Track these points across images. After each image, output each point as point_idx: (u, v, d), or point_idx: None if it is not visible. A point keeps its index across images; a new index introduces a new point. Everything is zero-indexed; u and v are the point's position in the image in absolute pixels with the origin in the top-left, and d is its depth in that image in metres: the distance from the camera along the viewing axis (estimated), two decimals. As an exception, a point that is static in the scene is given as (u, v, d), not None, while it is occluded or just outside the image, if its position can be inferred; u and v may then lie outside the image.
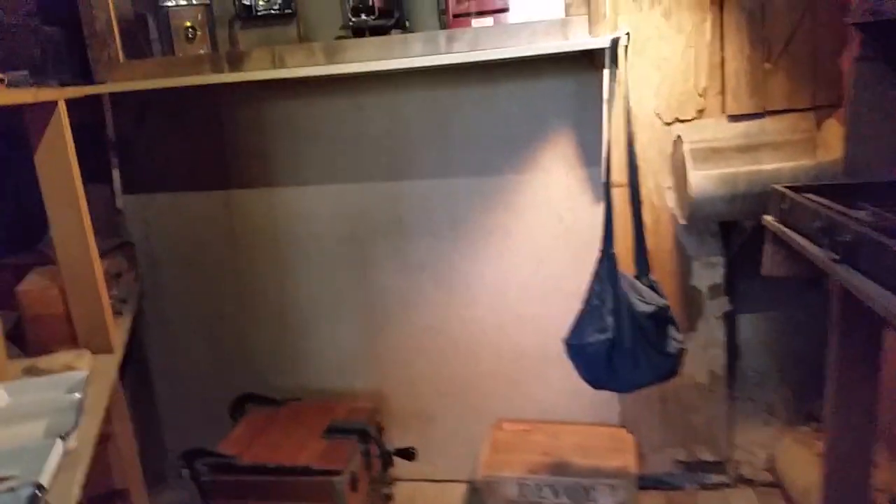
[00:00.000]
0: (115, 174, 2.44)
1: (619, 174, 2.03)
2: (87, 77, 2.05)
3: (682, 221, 2.03)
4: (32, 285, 1.77)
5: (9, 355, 1.74)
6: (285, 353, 2.58)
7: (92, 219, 2.50)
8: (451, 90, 2.27)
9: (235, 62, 1.93)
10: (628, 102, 1.94)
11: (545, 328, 2.32)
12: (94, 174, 2.43)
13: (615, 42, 1.87)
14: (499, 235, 2.39)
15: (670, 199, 2.10)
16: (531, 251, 2.38)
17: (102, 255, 2.20)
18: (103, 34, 1.92)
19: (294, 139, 2.37)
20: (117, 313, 1.98)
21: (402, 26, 2.11)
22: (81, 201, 1.69)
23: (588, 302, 1.90)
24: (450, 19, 2.13)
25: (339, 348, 2.55)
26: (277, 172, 2.41)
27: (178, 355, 2.61)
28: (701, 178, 1.89)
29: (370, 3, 2.00)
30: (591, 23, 1.90)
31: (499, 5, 2.05)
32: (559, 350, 1.94)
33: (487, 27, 1.95)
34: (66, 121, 1.65)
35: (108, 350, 1.79)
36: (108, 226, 2.48)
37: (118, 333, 1.89)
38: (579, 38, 1.91)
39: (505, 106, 2.26)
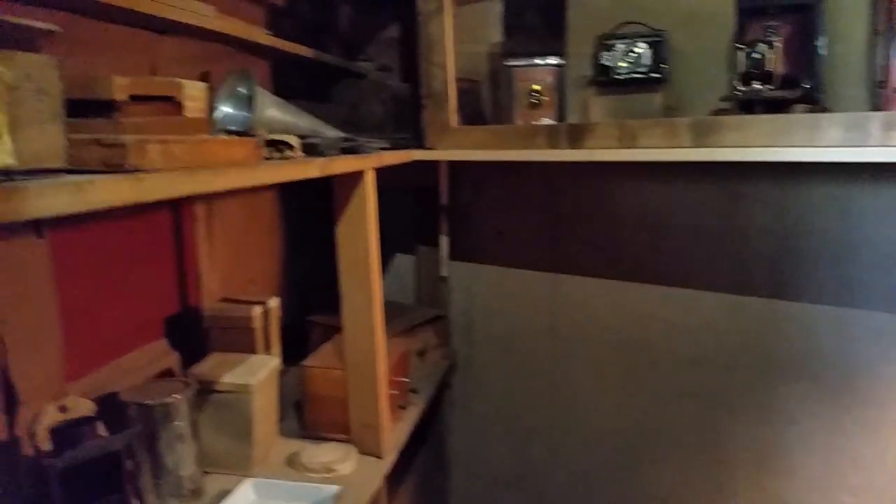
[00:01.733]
0: (444, 241, 2.26)
1: None
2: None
3: None
4: (318, 361, 1.61)
5: (283, 431, 1.61)
6: (599, 480, 2.11)
7: (416, 283, 2.44)
8: (870, 187, 1.60)
9: (576, 137, 1.55)
10: None
11: None
12: (424, 238, 2.30)
13: None
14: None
15: None
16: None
17: (412, 328, 2.03)
18: (439, 96, 1.71)
19: (641, 227, 1.93)
20: (402, 407, 1.73)
21: (810, 101, 1.52)
22: (375, 286, 1.47)
23: None
24: (889, 95, 1.48)
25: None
26: (616, 263, 1.99)
27: (479, 445, 2.32)
28: None
29: (768, 67, 1.46)
30: None
31: None
32: None
33: None
34: (371, 192, 1.44)
35: (378, 454, 1.54)
36: (431, 292, 2.32)
37: (395, 436, 1.63)
38: None
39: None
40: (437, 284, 2.27)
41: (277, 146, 1.21)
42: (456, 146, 1.71)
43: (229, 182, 0.90)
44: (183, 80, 1.22)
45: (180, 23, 1.39)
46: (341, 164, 1.29)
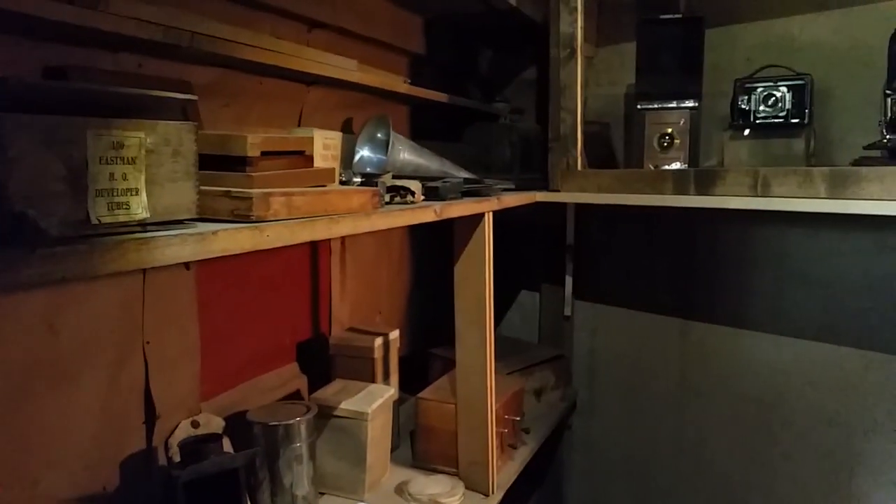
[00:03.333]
0: (568, 281, 2.25)
1: None
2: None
3: None
4: (433, 394, 1.66)
5: (396, 460, 1.66)
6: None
7: (540, 321, 2.43)
8: None
9: (705, 183, 1.50)
10: None
11: None
12: (550, 276, 2.30)
13: None
14: None
15: None
16: None
17: (530, 367, 2.04)
18: (566, 139, 1.72)
19: (781, 277, 1.82)
20: (513, 446, 1.74)
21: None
22: (489, 326, 1.50)
23: None
24: None
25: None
26: (750, 313, 1.89)
27: (598, 492, 2.27)
28: None
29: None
30: None
31: None
32: None
33: None
34: (489, 234, 1.48)
35: (485, 491, 1.56)
36: (554, 331, 2.32)
37: (503, 474, 1.64)
38: None
39: None
40: (561, 323, 2.26)
41: (399, 191, 1.28)
42: (580, 189, 1.71)
43: (344, 230, 0.97)
44: (317, 132, 1.33)
45: (324, 76, 1.50)
46: (458, 209, 1.34)
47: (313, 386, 1.66)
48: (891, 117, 1.37)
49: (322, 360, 1.69)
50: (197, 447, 1.17)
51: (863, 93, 1.64)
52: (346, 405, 1.47)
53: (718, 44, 1.86)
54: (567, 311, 2.24)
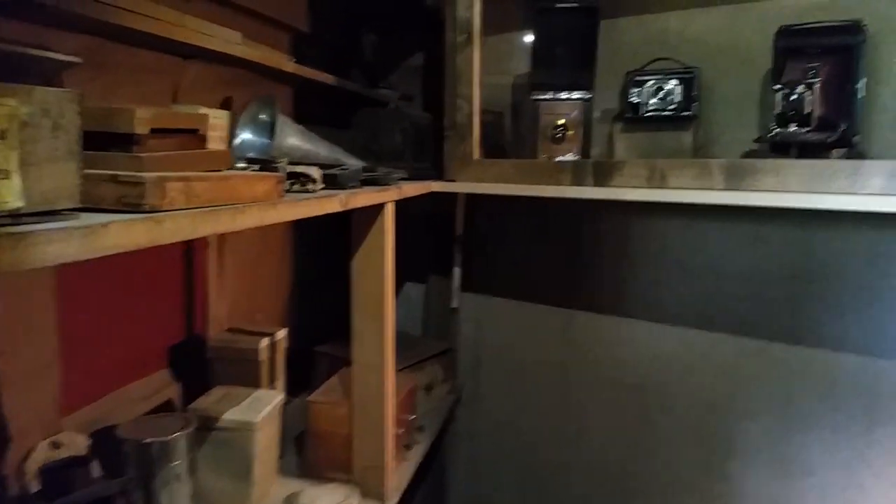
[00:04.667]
0: (456, 272, 2.20)
1: None
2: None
3: None
4: (325, 396, 1.55)
5: (283, 469, 1.53)
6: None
7: (425, 314, 2.37)
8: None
9: (602, 175, 1.50)
10: None
11: None
12: (436, 267, 2.25)
13: None
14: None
15: None
16: None
17: (420, 362, 1.97)
18: (462, 127, 1.66)
19: (661, 266, 1.87)
20: (408, 446, 1.67)
21: (846, 144, 1.47)
22: (389, 323, 1.41)
23: None
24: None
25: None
26: (633, 302, 1.93)
27: (482, 482, 2.24)
28: None
29: (807, 109, 1.41)
30: None
31: None
32: None
33: None
34: (390, 225, 1.39)
35: (381, 497, 1.47)
36: (440, 323, 2.26)
37: (398, 477, 1.56)
38: None
39: None
40: (447, 316, 2.21)
41: (299, 178, 1.16)
42: (477, 179, 1.66)
43: (250, 221, 0.85)
44: (207, 110, 1.18)
45: (206, 48, 1.35)
46: (363, 198, 1.24)
47: (188, 394, 1.50)
48: (780, 111, 1.42)
49: (198, 365, 1.53)
50: (60, 473, 1.00)
51: (744, 88, 1.70)
52: (231, 415, 1.33)
53: (606, 37, 1.87)
54: (454, 303, 2.20)
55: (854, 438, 1.66)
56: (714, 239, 1.80)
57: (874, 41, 1.54)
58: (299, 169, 1.15)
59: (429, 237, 2.26)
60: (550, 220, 2.04)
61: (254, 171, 1.08)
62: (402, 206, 1.46)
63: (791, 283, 1.70)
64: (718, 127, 1.76)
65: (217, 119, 1.23)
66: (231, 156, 1.01)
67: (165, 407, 1.49)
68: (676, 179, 1.41)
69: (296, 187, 1.15)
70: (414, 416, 1.67)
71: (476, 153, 1.66)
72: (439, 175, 1.73)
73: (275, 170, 1.06)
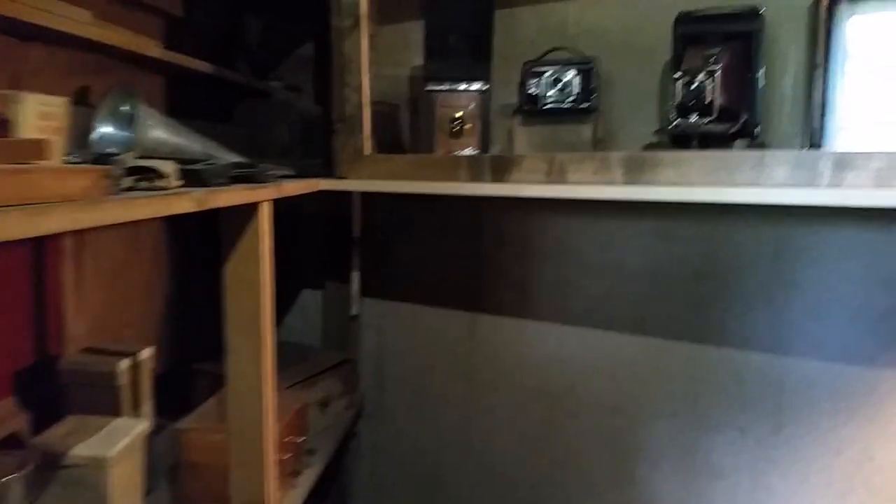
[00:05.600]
0: (355, 276, 2.06)
1: None
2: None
3: None
4: (197, 422, 1.38)
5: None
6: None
7: (324, 324, 2.22)
8: (804, 228, 1.52)
9: (500, 170, 1.40)
10: None
11: None
12: (334, 272, 2.10)
13: None
14: (848, 457, 1.53)
15: None
16: (914, 504, 1.48)
17: (314, 376, 1.82)
18: (352, 120, 1.53)
19: (565, 265, 1.80)
20: (296, 473, 1.52)
21: (748, 135, 1.43)
22: (267, 338, 1.26)
23: None
24: (823, 132, 1.41)
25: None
26: (537, 303, 1.84)
27: (385, 496, 2.11)
28: None
29: (707, 97, 1.35)
30: None
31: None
32: None
33: None
34: (266, 228, 1.24)
35: (266, 533, 1.32)
36: (340, 332, 2.11)
37: (287, 507, 1.42)
38: None
39: (893, 261, 1.45)
40: (347, 324, 2.07)
41: (146, 174, 1.00)
42: (369, 175, 1.53)
43: (56, 224, 0.69)
44: (28, 95, 1.00)
45: (49, 29, 1.17)
46: (226, 197, 1.08)
47: (39, 425, 1.30)
48: (681, 101, 1.36)
49: (50, 392, 1.33)
50: None
51: (645, 78, 1.64)
52: (80, 450, 1.15)
53: (503, 27, 1.78)
54: (354, 310, 2.06)
55: (762, 438, 1.63)
56: (617, 236, 1.74)
57: (772, 29, 1.51)
58: (146, 163, 0.99)
59: (326, 240, 2.11)
60: (452, 219, 1.94)
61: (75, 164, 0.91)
62: (290, 206, 1.32)
63: (696, 280, 1.65)
64: (620, 119, 1.69)
65: (49, 107, 1.05)
66: (51, 147, 0.84)
67: (11, 442, 1.29)
68: (576, 174, 1.32)
69: (143, 184, 0.99)
70: (303, 439, 1.52)
71: (367, 148, 1.53)
72: (330, 173, 1.59)
73: (109, 163, 0.90)
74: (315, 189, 1.53)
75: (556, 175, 1.33)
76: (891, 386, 1.49)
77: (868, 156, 1.12)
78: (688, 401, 1.70)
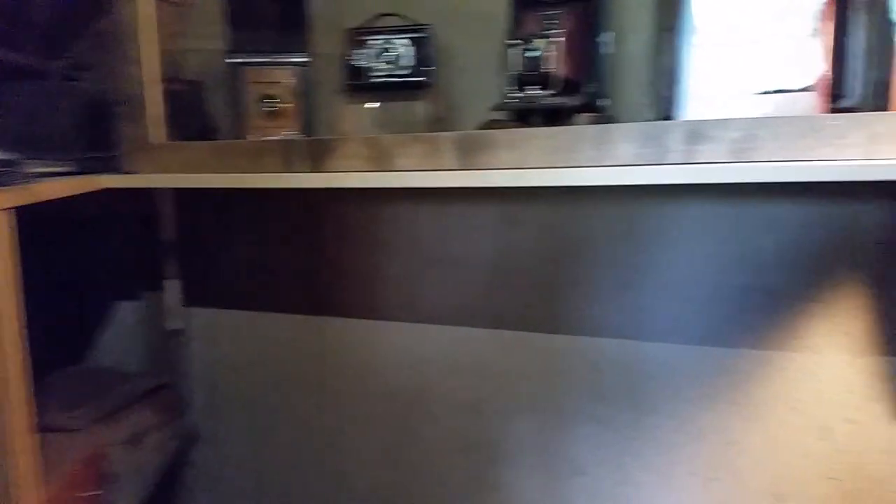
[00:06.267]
0: (173, 284, 1.78)
1: None
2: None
3: None
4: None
5: None
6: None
7: (143, 342, 1.92)
8: (658, 205, 1.42)
9: (319, 156, 1.18)
10: None
11: None
12: (151, 282, 1.81)
13: None
14: (711, 443, 1.46)
15: None
16: (767, 479, 1.43)
17: (120, 409, 1.53)
18: (134, 102, 1.26)
19: (411, 259, 1.62)
20: (96, 532, 1.25)
21: (595, 108, 1.28)
22: (12, 373, 0.99)
23: None
24: (674, 102, 1.29)
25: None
26: (385, 301, 1.66)
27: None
28: None
29: (547, 68, 1.19)
30: None
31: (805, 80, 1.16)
32: None
33: (768, 120, 1.02)
34: (7, 243, 0.96)
35: None
36: (161, 351, 1.82)
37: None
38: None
39: (750, 237, 1.36)
40: (166, 340, 1.80)
41: None
42: (162, 168, 1.27)
43: None
44: None
45: None
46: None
47: None
48: (517, 72, 1.19)
49: None
50: None
51: (488, 49, 1.46)
52: None
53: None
54: (175, 324, 1.78)
55: (622, 430, 1.52)
56: (463, 223, 1.57)
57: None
58: None
59: (139, 246, 1.81)
60: (288, 211, 1.70)
61: None
62: (94, 209, 1.05)
63: (546, 267, 1.52)
64: (462, 95, 1.51)
65: None
66: None
67: None
68: (404, 159, 1.13)
69: None
70: (98, 492, 1.25)
71: (157, 135, 1.27)
72: (117, 167, 1.32)
73: None
74: (95, 188, 1.25)
75: (381, 161, 1.14)
76: (750, 366, 1.42)
77: (723, 124, 0.99)
78: (545, 395, 1.58)
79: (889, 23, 1.12)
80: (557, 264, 1.50)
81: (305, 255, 1.71)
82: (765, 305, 1.38)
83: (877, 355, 1.32)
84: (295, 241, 1.71)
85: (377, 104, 1.41)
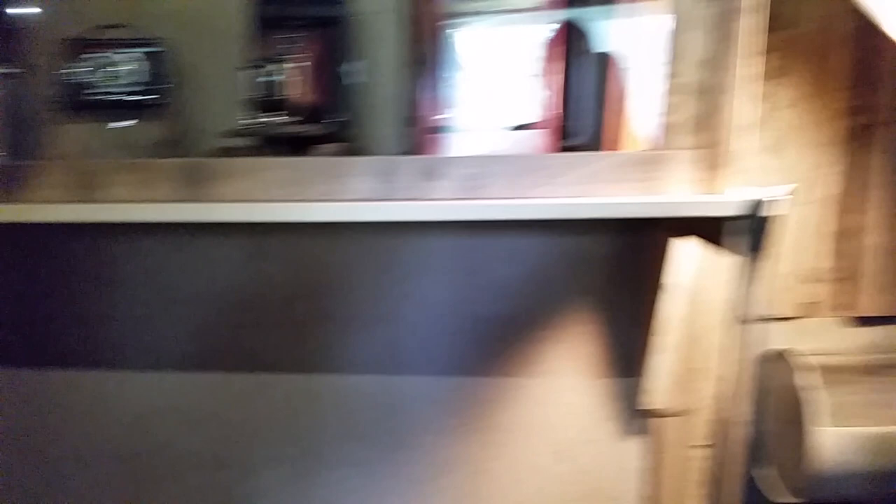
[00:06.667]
0: None
1: (671, 397, 1.26)
2: None
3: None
4: None
5: None
6: None
7: None
8: (406, 238, 1.41)
9: (12, 184, 1.01)
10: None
11: None
12: None
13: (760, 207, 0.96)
14: (461, 474, 1.47)
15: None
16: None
17: None
18: None
19: (148, 299, 1.45)
20: None
21: (340, 139, 1.24)
22: None
23: None
24: (421, 136, 1.29)
25: None
26: (115, 348, 1.47)
27: None
28: (835, 438, 1.09)
29: (283, 94, 1.13)
30: (711, 165, 1.04)
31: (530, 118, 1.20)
32: None
33: (497, 158, 1.04)
34: None
35: None
36: None
37: None
38: (683, 193, 1.04)
39: (496, 269, 1.40)
40: None
41: None
42: None
43: None
44: None
45: None
46: None
47: None
48: (253, 96, 1.11)
49: None
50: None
51: (232, 68, 1.36)
52: None
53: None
54: None
55: (376, 469, 1.49)
56: (206, 258, 1.43)
57: (370, 18, 1.34)
58: None
59: None
60: (15, 245, 1.45)
61: None
62: None
63: (296, 304, 1.43)
64: (202, 117, 1.39)
65: None
66: None
67: None
68: (117, 188, 1.00)
69: None
70: None
71: None
72: None
73: None
74: None
75: (88, 190, 0.99)
76: (495, 394, 1.45)
77: (457, 161, 0.99)
78: (300, 440, 1.49)
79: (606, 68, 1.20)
80: (306, 299, 1.42)
81: (22, 295, 1.47)
82: (507, 334, 1.42)
83: (608, 377, 1.41)
84: (12, 280, 1.46)
85: (108, 124, 1.25)
